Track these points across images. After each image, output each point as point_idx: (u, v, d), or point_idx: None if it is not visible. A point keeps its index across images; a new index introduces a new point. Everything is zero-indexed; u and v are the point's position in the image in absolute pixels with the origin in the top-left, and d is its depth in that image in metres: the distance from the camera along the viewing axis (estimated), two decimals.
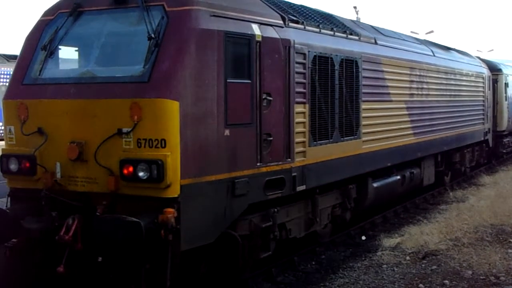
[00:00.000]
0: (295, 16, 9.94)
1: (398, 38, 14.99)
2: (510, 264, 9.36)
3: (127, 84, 7.56)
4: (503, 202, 14.47)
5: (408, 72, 13.99)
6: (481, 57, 26.46)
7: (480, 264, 9.33)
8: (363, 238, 12.24)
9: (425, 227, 12.20)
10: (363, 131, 11.66)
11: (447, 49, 19.62)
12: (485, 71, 21.51)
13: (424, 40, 20.14)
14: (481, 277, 8.80)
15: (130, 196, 7.34)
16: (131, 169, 7.30)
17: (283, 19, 9.40)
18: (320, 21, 10.89)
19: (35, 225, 7.60)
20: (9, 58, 27.78)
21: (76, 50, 8.66)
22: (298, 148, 9.42)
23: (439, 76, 16.17)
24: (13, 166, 8.14)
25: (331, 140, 10.48)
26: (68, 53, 8.67)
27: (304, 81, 9.59)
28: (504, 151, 25.50)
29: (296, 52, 9.38)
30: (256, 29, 8.56)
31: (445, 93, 16.59)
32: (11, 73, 8.93)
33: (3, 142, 8.67)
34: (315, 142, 9.91)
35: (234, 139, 8.02)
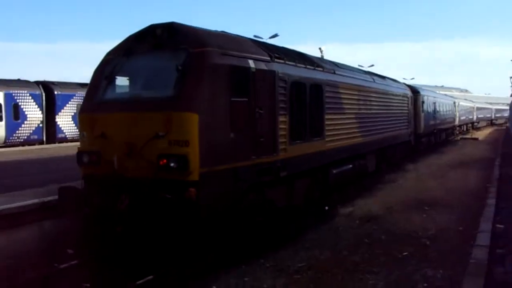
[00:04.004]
0: (278, 54, 9.95)
1: (350, 70, 15.01)
2: (425, 223, 9.42)
3: (162, 102, 7.61)
4: (421, 181, 14.64)
5: (357, 93, 14.00)
6: (406, 83, 26.62)
7: (405, 225, 9.38)
8: (326, 208, 12.26)
9: (369, 200, 12.27)
10: (327, 134, 11.67)
11: (383, 77, 19.66)
12: (409, 93, 21.58)
13: (368, 71, 20.20)
14: (406, 233, 8.85)
15: (165, 179, 7.38)
16: (165, 161, 7.35)
17: (270, 56, 9.43)
18: (296, 58, 10.90)
19: (101, 200, 7.68)
20: (83, 85, 27.98)
21: (127, 79, 8.72)
22: (281, 146, 9.42)
23: (378, 96, 16.17)
24: (85, 159, 8.23)
25: (304, 140, 10.49)
26: (122, 81, 8.72)
27: (285, 99, 9.60)
28: (422, 147, 25.68)
29: (280, 79, 9.40)
30: (251, 63, 8.59)
31: (382, 107, 16.57)
32: (84, 95, 9.01)
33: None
34: (293, 142, 9.89)
35: (236, 140, 8.03)
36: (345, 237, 8.88)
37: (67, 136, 28.52)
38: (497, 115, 79.27)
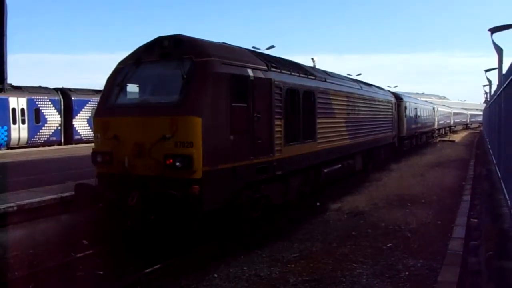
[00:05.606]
0: (274, 64, 9.99)
1: (340, 78, 15.04)
2: (407, 218, 9.36)
3: (169, 107, 7.60)
4: (403, 180, 14.51)
5: (346, 99, 14.03)
6: (390, 90, 26.63)
7: (389, 219, 9.29)
8: (318, 204, 12.24)
9: (356, 197, 12.18)
10: (318, 136, 11.68)
11: (370, 85, 19.68)
12: (393, 99, 21.61)
13: (356, 79, 20.20)
14: (390, 227, 8.79)
15: (171, 178, 7.39)
16: (171, 161, 7.35)
17: (267, 65, 9.45)
18: (291, 67, 10.92)
19: (113, 195, 7.66)
20: (97, 91, 28.09)
21: (137, 86, 8.71)
22: (277, 147, 9.42)
23: (365, 101, 16.21)
24: (99, 159, 8.22)
25: (298, 142, 10.49)
26: (132, 88, 8.72)
27: (280, 104, 9.62)
28: (405, 148, 25.71)
29: (276, 86, 9.42)
30: (250, 72, 8.60)
31: (368, 112, 16.61)
32: (98, 100, 9.00)
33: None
34: (288, 143, 9.90)
35: (236, 142, 8.03)
36: (335, 230, 8.85)
37: (83, 137, 28.54)
38: (472, 119, 79.53)
